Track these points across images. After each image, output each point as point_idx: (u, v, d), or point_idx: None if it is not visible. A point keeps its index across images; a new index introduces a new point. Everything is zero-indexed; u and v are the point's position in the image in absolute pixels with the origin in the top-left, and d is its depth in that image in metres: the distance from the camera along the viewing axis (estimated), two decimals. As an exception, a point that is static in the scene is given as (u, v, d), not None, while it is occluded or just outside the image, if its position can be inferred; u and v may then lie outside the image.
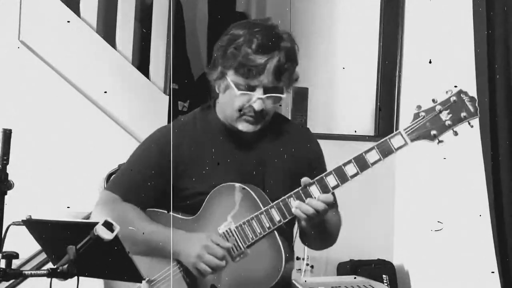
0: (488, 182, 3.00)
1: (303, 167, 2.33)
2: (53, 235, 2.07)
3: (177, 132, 2.27)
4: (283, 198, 2.19)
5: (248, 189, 2.21)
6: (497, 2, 2.96)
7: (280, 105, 2.29)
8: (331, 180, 2.17)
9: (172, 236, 2.19)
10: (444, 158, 2.57)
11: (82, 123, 4.48)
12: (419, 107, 2.16)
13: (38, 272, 1.86)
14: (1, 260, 1.92)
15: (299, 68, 4.71)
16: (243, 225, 2.20)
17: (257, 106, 2.19)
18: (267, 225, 2.19)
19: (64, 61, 4.53)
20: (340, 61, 4.54)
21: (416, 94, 3.91)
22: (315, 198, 2.15)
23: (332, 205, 2.21)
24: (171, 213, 2.26)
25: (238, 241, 2.21)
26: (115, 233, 1.85)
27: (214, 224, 2.22)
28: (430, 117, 2.15)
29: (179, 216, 2.25)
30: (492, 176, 2.98)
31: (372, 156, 2.16)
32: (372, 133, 4.69)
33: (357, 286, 4.00)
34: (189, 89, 5.40)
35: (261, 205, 2.20)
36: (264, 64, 2.16)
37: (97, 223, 1.84)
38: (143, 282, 2.22)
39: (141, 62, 4.95)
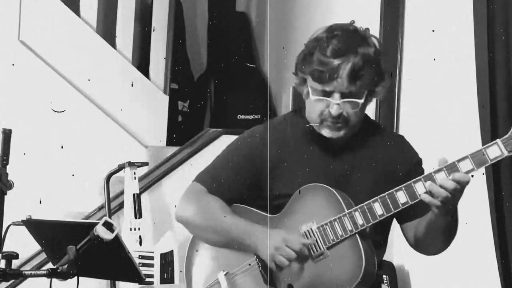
0: (488, 181, 3.00)
1: (395, 176, 2.24)
2: (53, 235, 2.08)
3: (270, 133, 2.26)
4: (368, 202, 2.15)
5: (334, 191, 2.19)
6: (497, 2, 2.96)
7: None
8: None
9: (252, 230, 2.21)
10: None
11: (82, 123, 4.48)
12: None
13: (38, 272, 1.86)
14: (1, 260, 1.92)
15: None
16: (325, 226, 2.18)
17: (333, 111, 2.14)
18: (349, 228, 2.16)
19: (64, 61, 4.53)
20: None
21: (417, 93, 3.92)
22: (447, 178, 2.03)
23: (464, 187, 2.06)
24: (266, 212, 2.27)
25: (319, 241, 2.19)
26: (115, 233, 1.84)
27: (297, 223, 2.21)
28: None
29: (263, 213, 2.26)
30: (493, 175, 2.98)
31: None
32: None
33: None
34: (189, 89, 5.40)
35: (345, 208, 2.17)
36: (337, 68, 2.10)
37: (97, 223, 1.84)
38: (221, 273, 2.29)
39: (141, 62, 4.95)
